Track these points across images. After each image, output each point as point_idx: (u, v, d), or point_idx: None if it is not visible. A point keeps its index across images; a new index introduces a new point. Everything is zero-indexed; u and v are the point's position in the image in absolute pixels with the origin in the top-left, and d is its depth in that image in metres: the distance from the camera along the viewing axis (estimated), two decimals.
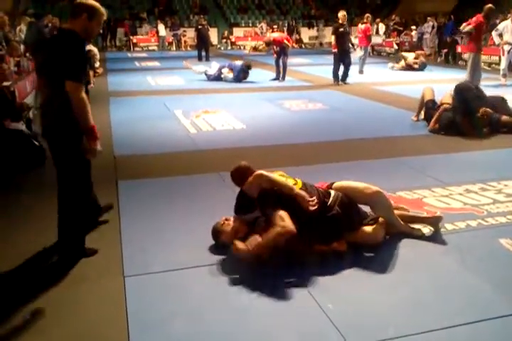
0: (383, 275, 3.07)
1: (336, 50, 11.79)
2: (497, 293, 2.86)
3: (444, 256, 3.31)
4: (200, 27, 18.20)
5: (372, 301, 2.78)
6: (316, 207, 3.20)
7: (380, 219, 3.48)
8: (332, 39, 12.17)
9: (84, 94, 3.05)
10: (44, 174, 5.04)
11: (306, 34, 27.84)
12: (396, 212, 3.62)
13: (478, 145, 6.17)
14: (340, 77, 11.95)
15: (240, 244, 3.08)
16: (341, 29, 11.76)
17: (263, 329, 2.55)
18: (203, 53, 18.00)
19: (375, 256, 3.32)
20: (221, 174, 4.77)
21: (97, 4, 3.17)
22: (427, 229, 3.66)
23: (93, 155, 3.18)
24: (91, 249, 3.34)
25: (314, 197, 3.24)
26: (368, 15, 14.58)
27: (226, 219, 3.44)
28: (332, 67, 12.11)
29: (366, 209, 3.59)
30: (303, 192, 3.22)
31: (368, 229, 3.43)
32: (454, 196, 4.35)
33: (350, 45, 12.38)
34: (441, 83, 12.10)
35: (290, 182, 3.33)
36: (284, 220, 3.05)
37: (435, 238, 3.55)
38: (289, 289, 2.90)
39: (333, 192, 3.40)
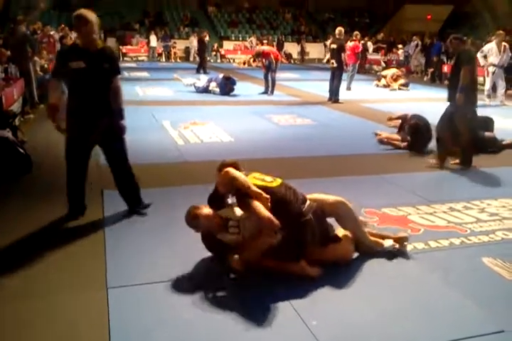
0: (366, 292, 3.08)
1: (333, 65, 11.86)
2: (479, 311, 2.89)
3: (427, 274, 3.34)
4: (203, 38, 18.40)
5: (356, 318, 2.79)
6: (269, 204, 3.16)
7: (347, 235, 3.48)
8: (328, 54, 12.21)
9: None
10: (30, 182, 5.01)
11: (296, 50, 28.08)
12: (366, 230, 3.63)
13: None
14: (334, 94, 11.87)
15: (236, 263, 3.16)
16: (332, 45, 11.98)
17: None
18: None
19: (358, 272, 3.33)
20: (207, 186, 4.76)
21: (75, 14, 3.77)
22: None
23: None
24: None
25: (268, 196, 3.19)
26: (356, 32, 14.79)
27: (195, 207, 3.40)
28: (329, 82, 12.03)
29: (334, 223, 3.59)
30: (258, 190, 3.17)
31: (337, 245, 3.42)
32: (438, 214, 4.39)
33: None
34: (428, 102, 12.27)
35: (267, 179, 3.35)
36: (265, 211, 3.08)
37: (418, 255, 3.58)
38: (273, 304, 2.90)
39: (308, 201, 3.41)
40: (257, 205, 3.08)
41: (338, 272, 3.31)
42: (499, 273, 3.34)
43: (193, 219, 3.34)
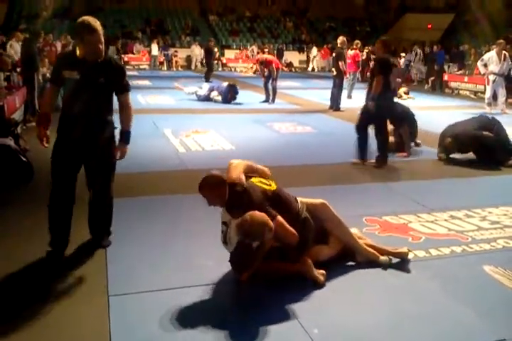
0: (367, 300, 3.08)
1: (333, 73, 12.00)
2: (479, 319, 2.88)
3: (428, 282, 3.33)
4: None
5: (356, 326, 2.78)
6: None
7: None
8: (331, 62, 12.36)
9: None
10: (32, 190, 5.01)
11: (296, 58, 28.18)
12: (362, 241, 3.62)
13: (464, 172, 6.25)
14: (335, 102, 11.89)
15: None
16: (335, 52, 12.16)
17: None
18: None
19: (359, 280, 3.33)
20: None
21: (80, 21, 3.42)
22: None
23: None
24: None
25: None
26: (357, 41, 14.88)
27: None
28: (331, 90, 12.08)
29: None
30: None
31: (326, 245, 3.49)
32: (439, 222, 4.39)
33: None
34: (429, 110, 12.29)
35: (266, 182, 3.36)
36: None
37: (419, 263, 3.57)
38: (274, 311, 2.90)
39: (299, 201, 3.46)
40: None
41: (339, 280, 3.31)
42: (500, 281, 3.33)
43: (266, 230, 3.01)
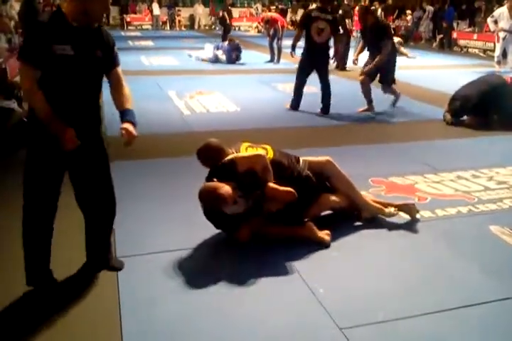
0: (372, 260, 3.10)
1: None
2: (486, 278, 2.90)
3: (434, 242, 3.34)
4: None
5: (362, 286, 2.81)
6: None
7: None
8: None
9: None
10: None
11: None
12: (369, 198, 3.66)
13: (471, 133, 6.18)
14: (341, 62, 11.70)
15: (243, 235, 3.19)
16: (342, 10, 11.85)
17: (256, 312, 2.57)
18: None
19: (365, 240, 3.35)
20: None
21: None
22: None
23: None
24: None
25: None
26: None
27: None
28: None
29: None
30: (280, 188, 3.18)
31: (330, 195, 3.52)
32: (446, 182, 4.37)
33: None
34: (436, 69, 12.09)
35: (260, 151, 3.34)
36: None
37: (425, 224, 3.58)
38: (280, 272, 2.93)
39: (301, 160, 3.49)
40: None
41: (345, 240, 3.32)
42: (506, 241, 3.34)
43: (222, 202, 3.02)
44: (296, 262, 3.02)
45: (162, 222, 3.56)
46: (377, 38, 6.75)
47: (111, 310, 2.56)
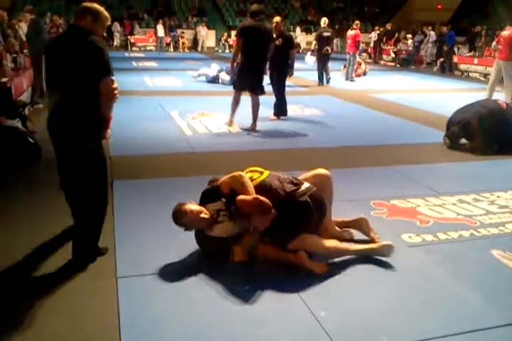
0: (374, 283, 3.08)
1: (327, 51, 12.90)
2: (487, 303, 2.88)
3: (436, 266, 3.33)
4: None
5: (364, 309, 2.79)
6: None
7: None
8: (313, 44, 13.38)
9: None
10: (39, 172, 5.03)
11: (304, 39, 27.89)
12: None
13: (472, 156, 6.20)
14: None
15: (238, 255, 3.16)
16: (324, 33, 12.84)
17: (257, 335, 2.55)
18: None
19: (365, 263, 3.32)
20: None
21: (102, 8, 3.21)
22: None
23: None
24: (103, 248, 3.36)
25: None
26: (357, 22, 14.72)
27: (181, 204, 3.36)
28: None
29: None
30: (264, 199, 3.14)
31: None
32: (448, 206, 4.37)
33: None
34: (437, 92, 12.19)
35: (255, 175, 3.36)
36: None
37: (427, 247, 3.56)
38: (281, 294, 2.91)
39: (307, 184, 3.39)
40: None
41: (345, 263, 3.30)
42: (508, 265, 3.32)
43: (183, 216, 3.23)
44: (298, 286, 3.00)
45: (164, 242, 3.54)
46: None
47: (112, 333, 2.54)
